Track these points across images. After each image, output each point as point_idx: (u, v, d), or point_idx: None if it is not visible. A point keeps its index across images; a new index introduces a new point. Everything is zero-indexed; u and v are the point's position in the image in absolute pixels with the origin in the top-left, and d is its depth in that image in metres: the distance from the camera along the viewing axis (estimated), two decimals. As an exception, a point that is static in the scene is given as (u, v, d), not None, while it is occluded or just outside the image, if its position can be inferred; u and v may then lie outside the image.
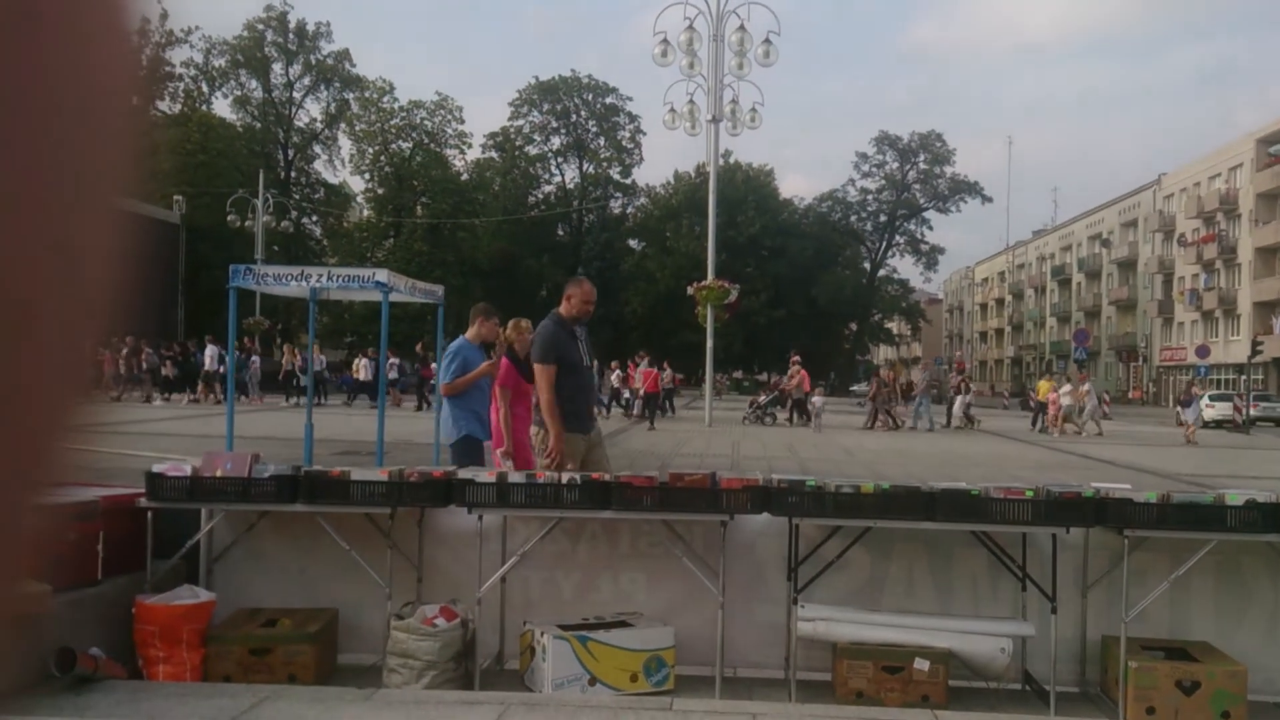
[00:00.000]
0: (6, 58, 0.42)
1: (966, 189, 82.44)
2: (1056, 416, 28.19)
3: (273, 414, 24.62)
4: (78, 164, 0.45)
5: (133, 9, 0.47)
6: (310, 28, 70.09)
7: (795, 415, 28.51)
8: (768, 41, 26.58)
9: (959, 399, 29.94)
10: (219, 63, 68.73)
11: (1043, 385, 30.05)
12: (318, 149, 73.13)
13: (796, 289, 73.37)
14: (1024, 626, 5.98)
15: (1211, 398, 42.42)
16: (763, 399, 30.05)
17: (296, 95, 71.69)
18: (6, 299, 0.42)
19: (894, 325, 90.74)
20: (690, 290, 27.32)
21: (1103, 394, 37.81)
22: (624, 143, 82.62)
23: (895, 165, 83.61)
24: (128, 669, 5.68)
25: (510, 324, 8.11)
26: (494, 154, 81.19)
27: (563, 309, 7.19)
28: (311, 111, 73.83)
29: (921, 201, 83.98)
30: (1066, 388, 28.62)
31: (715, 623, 5.88)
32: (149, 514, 6.10)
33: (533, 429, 7.17)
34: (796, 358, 30.74)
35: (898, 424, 27.97)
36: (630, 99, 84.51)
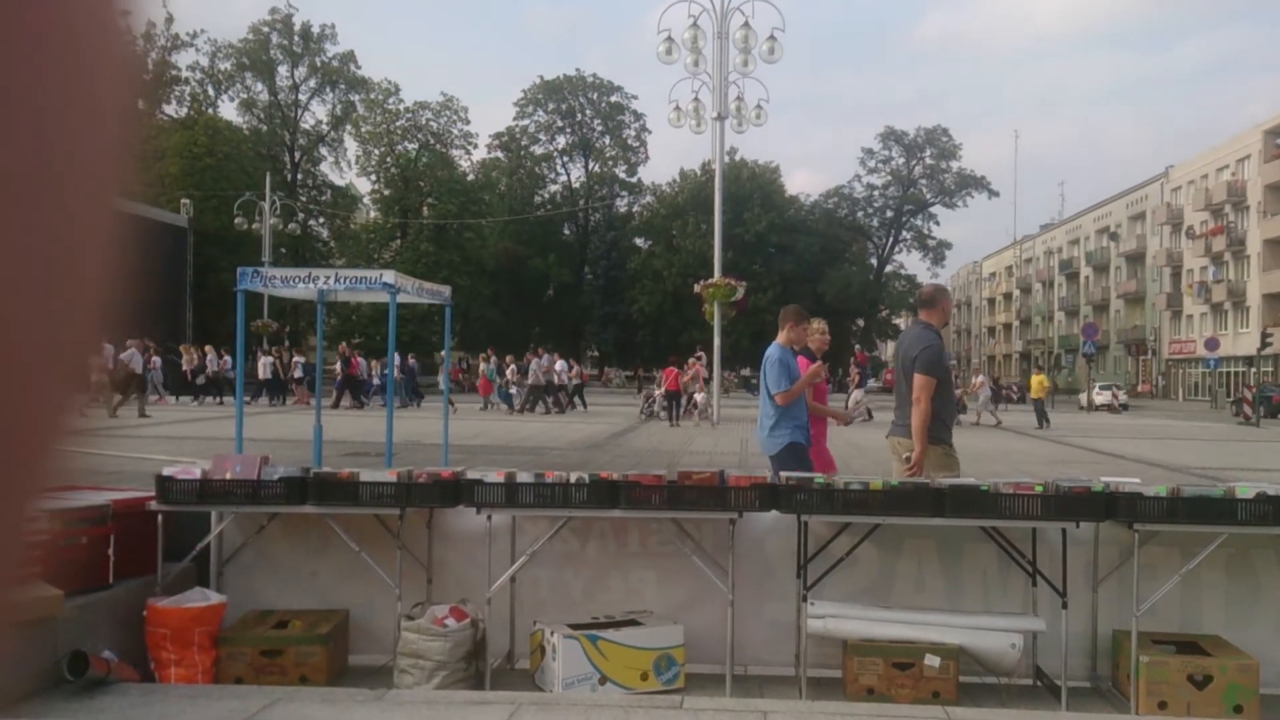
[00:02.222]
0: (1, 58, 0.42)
1: (973, 184, 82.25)
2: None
3: (281, 416, 24.66)
4: (75, 166, 0.45)
5: (133, 10, 0.48)
6: (315, 30, 70.15)
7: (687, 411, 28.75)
8: (772, 38, 26.56)
9: (855, 392, 30.08)
10: (225, 66, 68.76)
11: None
12: (324, 151, 73.14)
13: (803, 286, 73.22)
14: (1034, 622, 5.97)
15: (1102, 386, 51.87)
16: (659, 393, 30.10)
17: (302, 98, 71.75)
18: (2, 302, 0.43)
19: (901, 321, 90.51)
20: (697, 288, 27.31)
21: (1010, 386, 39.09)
22: (629, 141, 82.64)
23: (901, 161, 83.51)
24: (140, 672, 5.70)
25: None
26: (499, 154, 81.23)
27: (933, 319, 6.97)
28: (317, 114, 73.96)
29: (928, 197, 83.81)
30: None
31: (725, 621, 5.88)
32: (159, 517, 6.12)
33: (894, 439, 6.87)
34: (700, 354, 31.17)
35: None
36: (635, 97, 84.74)
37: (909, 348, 6.82)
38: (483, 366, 33.19)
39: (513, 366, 31.72)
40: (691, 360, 30.08)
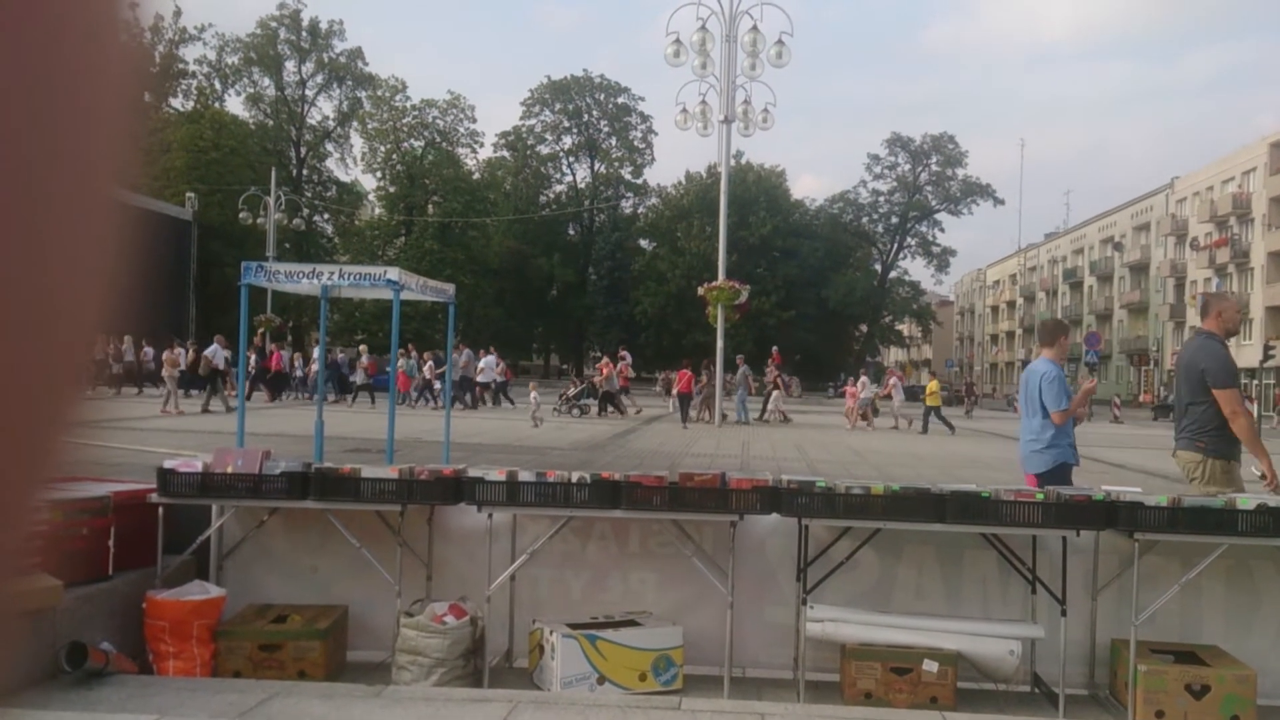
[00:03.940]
0: (3, 50, 0.42)
1: (978, 191, 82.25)
2: (853, 409, 28.48)
3: (284, 411, 24.68)
4: (79, 159, 0.45)
5: (140, 3, 0.48)
6: (323, 26, 70.33)
7: (604, 407, 28.65)
8: (780, 42, 26.57)
9: (774, 394, 30.01)
10: (232, 60, 69.01)
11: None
12: (330, 147, 73.32)
13: (807, 290, 73.28)
14: (1033, 629, 5.97)
15: None
16: (571, 391, 30.08)
17: (309, 93, 71.91)
18: (3, 294, 0.43)
19: (905, 327, 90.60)
20: (701, 291, 27.34)
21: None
22: (636, 142, 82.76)
23: (907, 167, 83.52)
24: (138, 664, 5.70)
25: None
26: (505, 153, 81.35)
27: (1213, 327, 6.74)
28: (324, 109, 74.20)
29: (933, 203, 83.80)
30: (864, 380, 28.87)
31: (724, 623, 5.88)
32: (160, 509, 6.12)
33: (1181, 454, 6.69)
34: (623, 354, 31.62)
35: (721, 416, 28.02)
36: (642, 99, 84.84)
37: (1193, 359, 6.61)
38: (401, 362, 33.23)
39: (430, 363, 31.53)
40: (604, 361, 30.14)
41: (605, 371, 29.06)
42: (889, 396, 29.88)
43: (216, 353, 25.31)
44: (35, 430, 0.45)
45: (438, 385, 30.62)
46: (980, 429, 30.63)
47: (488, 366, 31.11)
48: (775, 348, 32.02)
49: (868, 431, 26.43)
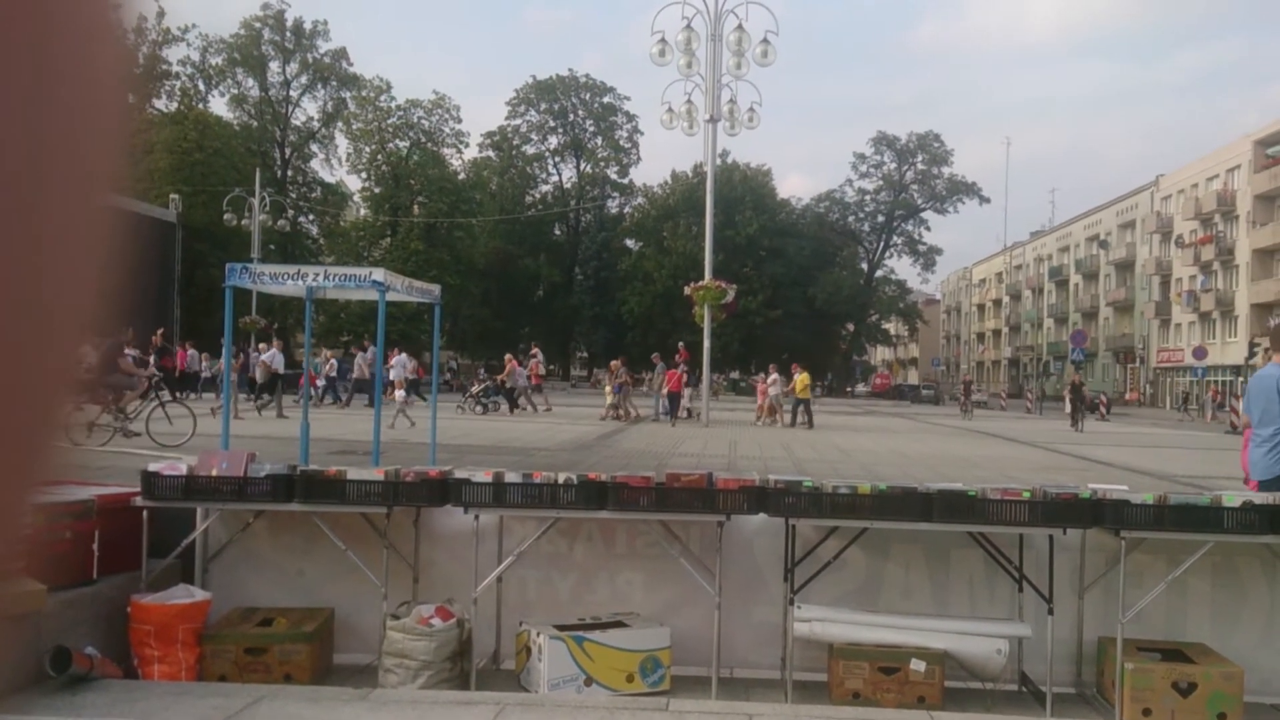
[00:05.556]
0: None
1: (964, 190, 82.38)
2: (763, 406, 28.57)
3: (268, 414, 24.58)
4: (66, 162, 0.45)
5: (124, 4, 0.47)
6: (307, 26, 70.05)
7: (509, 404, 28.86)
8: (766, 41, 26.58)
9: (686, 391, 30.10)
10: (216, 61, 68.62)
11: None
12: (314, 148, 72.98)
13: (794, 289, 73.37)
14: (1020, 627, 5.98)
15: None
16: (476, 388, 30.12)
17: (293, 94, 71.59)
18: None
19: (891, 326, 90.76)
20: (687, 290, 27.35)
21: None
22: (621, 142, 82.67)
23: (893, 166, 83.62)
24: (123, 668, 5.67)
25: None
26: (491, 153, 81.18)
27: None
28: (308, 110, 73.82)
29: (919, 202, 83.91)
30: (774, 378, 28.80)
31: (712, 623, 5.88)
32: (145, 513, 6.09)
33: None
34: (535, 351, 32.57)
35: (631, 414, 27.95)
36: (628, 99, 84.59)
37: None
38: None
39: (332, 361, 31.39)
40: (508, 356, 30.27)
41: (509, 368, 29.05)
42: (789, 396, 29.99)
43: (275, 357, 25.51)
44: (26, 434, 0.45)
45: (339, 384, 30.51)
46: (974, 428, 30.71)
47: (399, 365, 30.89)
48: (681, 344, 32.01)
49: (776, 428, 26.54)
